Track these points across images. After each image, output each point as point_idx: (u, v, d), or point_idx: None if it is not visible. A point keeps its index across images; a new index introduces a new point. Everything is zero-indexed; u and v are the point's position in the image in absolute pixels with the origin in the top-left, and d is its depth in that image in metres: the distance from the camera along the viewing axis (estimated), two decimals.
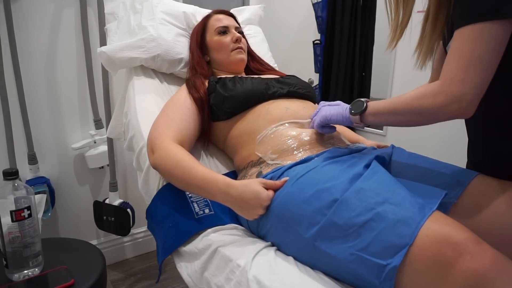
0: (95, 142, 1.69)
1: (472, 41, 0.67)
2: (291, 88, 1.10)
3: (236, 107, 1.05)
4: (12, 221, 0.91)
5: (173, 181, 0.93)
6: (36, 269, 0.97)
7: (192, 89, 1.10)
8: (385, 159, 0.91)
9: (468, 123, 0.87)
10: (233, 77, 1.12)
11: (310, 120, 1.01)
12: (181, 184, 0.91)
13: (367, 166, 0.80)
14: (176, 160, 0.89)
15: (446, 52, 0.81)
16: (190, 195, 0.96)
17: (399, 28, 0.85)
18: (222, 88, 1.07)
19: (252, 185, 0.80)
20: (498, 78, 0.71)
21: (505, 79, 0.73)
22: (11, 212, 0.90)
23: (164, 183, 0.99)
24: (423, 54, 0.88)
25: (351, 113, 0.87)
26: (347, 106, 0.90)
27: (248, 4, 2.24)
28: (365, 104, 0.84)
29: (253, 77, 1.13)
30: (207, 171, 0.86)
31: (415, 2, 0.83)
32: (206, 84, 1.12)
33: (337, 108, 0.92)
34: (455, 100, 0.68)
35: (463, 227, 0.62)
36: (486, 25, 0.65)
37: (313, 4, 2.04)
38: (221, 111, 1.06)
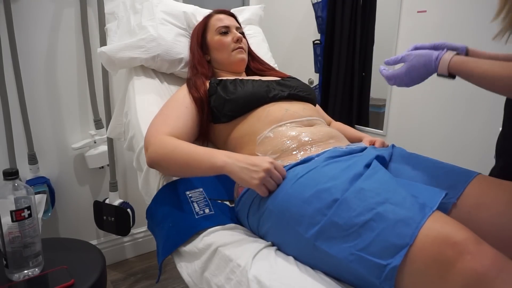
0: (95, 142, 1.69)
1: None
2: (291, 91, 1.10)
3: (237, 110, 1.05)
4: (12, 221, 0.91)
5: (172, 167, 0.92)
6: (36, 269, 0.97)
7: (193, 88, 1.10)
8: (385, 159, 0.91)
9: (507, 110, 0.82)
10: (234, 79, 1.11)
11: (311, 118, 1.01)
12: (181, 164, 0.89)
13: (368, 166, 0.80)
14: (173, 146, 0.91)
15: None
16: (190, 195, 0.96)
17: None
18: (223, 91, 1.07)
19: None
20: None
21: None
22: (11, 212, 0.90)
23: (164, 183, 0.99)
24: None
25: (438, 75, 0.83)
26: (432, 62, 0.82)
27: (248, 4, 2.24)
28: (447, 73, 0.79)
29: (254, 80, 1.12)
30: (209, 148, 0.91)
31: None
32: (207, 84, 1.12)
33: (422, 67, 0.85)
34: None
35: (463, 227, 0.63)
36: None
37: (313, 4, 2.05)
38: (222, 113, 1.06)
